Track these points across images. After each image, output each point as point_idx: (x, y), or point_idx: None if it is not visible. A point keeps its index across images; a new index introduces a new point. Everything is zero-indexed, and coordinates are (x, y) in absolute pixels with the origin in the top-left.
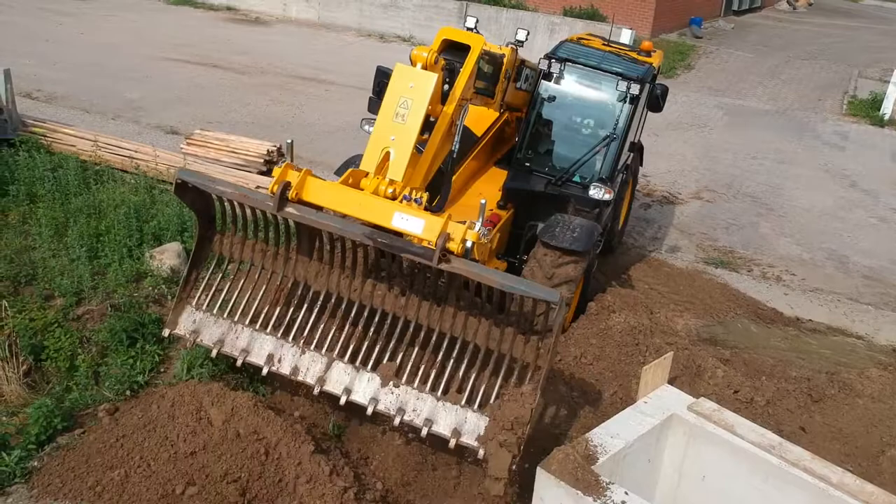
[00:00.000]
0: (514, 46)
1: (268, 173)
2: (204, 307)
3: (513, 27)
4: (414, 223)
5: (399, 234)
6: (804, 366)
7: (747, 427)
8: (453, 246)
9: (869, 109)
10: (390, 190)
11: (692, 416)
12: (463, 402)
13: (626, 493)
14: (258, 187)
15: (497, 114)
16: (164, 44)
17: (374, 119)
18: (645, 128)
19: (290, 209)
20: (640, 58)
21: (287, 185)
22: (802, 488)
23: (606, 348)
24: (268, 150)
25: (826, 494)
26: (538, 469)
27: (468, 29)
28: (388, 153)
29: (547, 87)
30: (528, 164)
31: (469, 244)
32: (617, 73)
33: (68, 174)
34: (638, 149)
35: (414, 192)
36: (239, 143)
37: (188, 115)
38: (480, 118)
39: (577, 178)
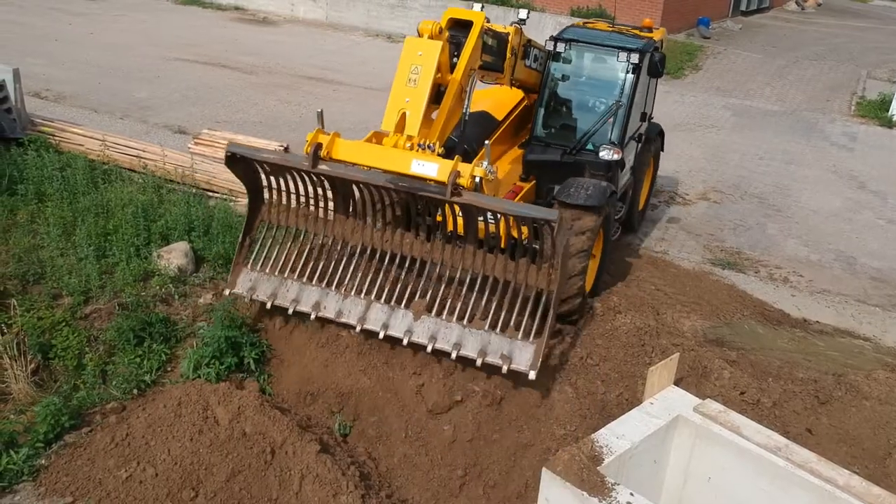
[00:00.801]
0: (517, 25)
1: None
2: (258, 268)
3: None
4: (429, 167)
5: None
6: (811, 367)
7: (753, 428)
8: (463, 181)
9: (877, 110)
10: (408, 145)
11: (698, 417)
12: (486, 327)
13: (632, 494)
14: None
15: (518, 98)
16: (172, 44)
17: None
18: None
19: (323, 166)
20: (641, 34)
21: (319, 146)
22: (808, 490)
23: (612, 349)
24: (275, 150)
25: (832, 497)
26: (543, 469)
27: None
28: (404, 114)
29: (556, 66)
30: (544, 138)
31: (478, 179)
32: (617, 47)
33: (76, 173)
34: (658, 133)
35: (427, 141)
36: (246, 142)
37: (196, 115)
38: (502, 103)
39: (590, 146)
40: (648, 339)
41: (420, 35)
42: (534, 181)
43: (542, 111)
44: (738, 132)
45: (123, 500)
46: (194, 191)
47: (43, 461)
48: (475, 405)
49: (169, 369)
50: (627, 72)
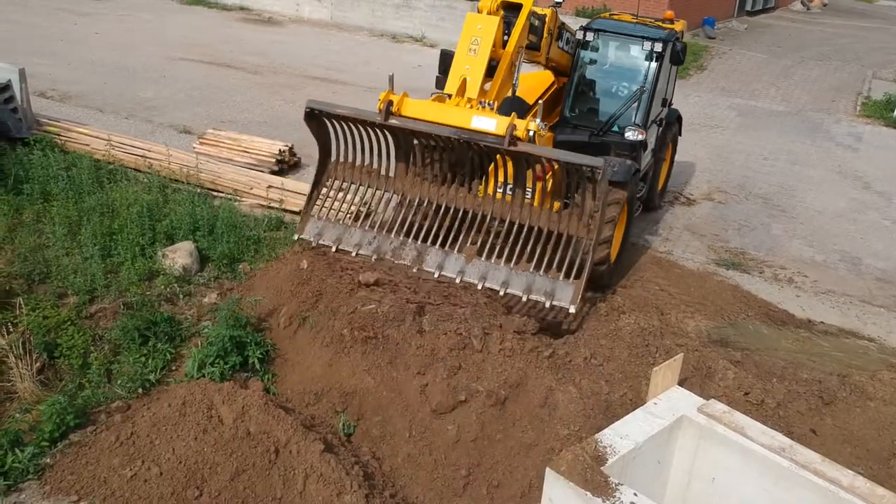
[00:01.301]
0: (553, 8)
1: (279, 173)
2: (324, 217)
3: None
4: (488, 122)
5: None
6: (815, 368)
7: (758, 429)
8: (519, 133)
9: (883, 110)
10: (468, 106)
11: (702, 417)
12: (531, 269)
13: (636, 495)
14: (270, 187)
15: (547, 83)
16: (177, 44)
17: (441, 94)
18: None
19: (393, 120)
20: (663, 25)
21: (390, 103)
22: (812, 491)
23: (616, 349)
24: (279, 150)
25: (836, 498)
26: (547, 469)
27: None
28: (465, 80)
29: (584, 54)
30: (573, 120)
31: (531, 133)
32: (642, 37)
33: (82, 173)
34: (677, 118)
35: (487, 100)
36: (251, 142)
37: (201, 115)
38: (532, 88)
39: (615, 129)
40: (652, 340)
41: (480, 11)
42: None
43: (571, 95)
44: (742, 132)
45: (128, 499)
46: (199, 190)
47: (48, 460)
48: (479, 405)
49: (173, 368)
50: (651, 59)
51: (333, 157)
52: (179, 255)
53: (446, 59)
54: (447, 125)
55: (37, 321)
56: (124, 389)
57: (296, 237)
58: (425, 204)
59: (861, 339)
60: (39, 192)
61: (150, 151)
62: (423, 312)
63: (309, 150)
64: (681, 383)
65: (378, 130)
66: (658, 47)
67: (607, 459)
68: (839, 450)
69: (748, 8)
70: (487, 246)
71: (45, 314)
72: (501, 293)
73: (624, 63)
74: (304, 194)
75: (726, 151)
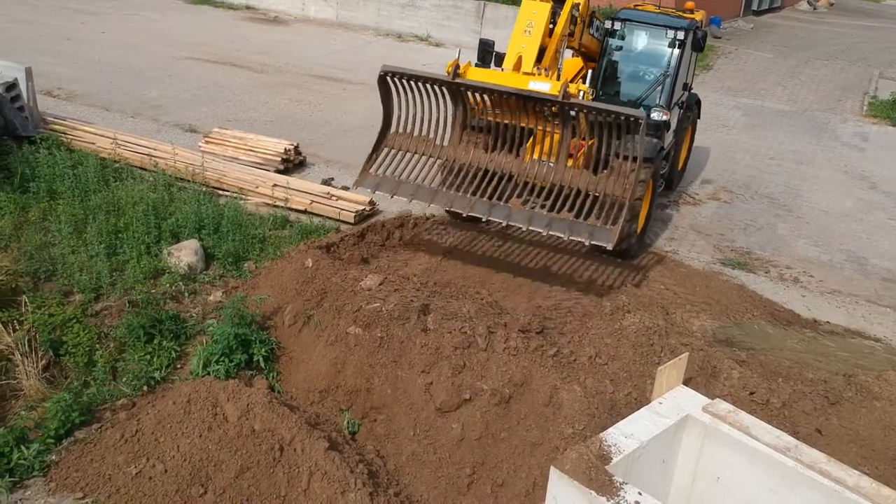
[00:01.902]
0: None
1: (284, 171)
2: (381, 174)
3: None
4: (543, 85)
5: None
6: (821, 368)
7: (763, 429)
8: (571, 91)
9: (889, 110)
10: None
11: (707, 417)
12: (571, 217)
13: (640, 494)
14: (275, 186)
15: (577, 69)
16: (183, 43)
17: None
18: None
19: (459, 80)
20: (685, 15)
21: (458, 66)
22: (818, 491)
23: (621, 348)
24: (285, 149)
25: (842, 498)
26: (551, 468)
27: None
28: (520, 56)
29: (612, 41)
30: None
31: (581, 93)
32: (666, 26)
33: (88, 171)
34: (696, 102)
35: (542, 66)
36: (256, 141)
37: (207, 114)
38: (566, 73)
39: (641, 110)
40: (657, 339)
41: None
42: (594, 140)
43: (600, 79)
44: (748, 132)
45: (133, 496)
46: (204, 189)
47: (53, 457)
48: (483, 403)
49: (178, 366)
50: (674, 46)
51: (393, 128)
52: (185, 254)
53: (485, 47)
54: (506, 87)
55: (42, 319)
56: (129, 387)
57: (353, 188)
58: (475, 168)
59: (867, 339)
60: (45, 191)
61: (155, 150)
62: (428, 311)
63: (314, 149)
64: (686, 383)
65: (441, 93)
66: (680, 35)
67: (612, 458)
68: (845, 450)
69: (754, 7)
70: (531, 200)
71: (51, 312)
72: (545, 234)
73: (649, 49)
74: (310, 192)
75: (732, 151)
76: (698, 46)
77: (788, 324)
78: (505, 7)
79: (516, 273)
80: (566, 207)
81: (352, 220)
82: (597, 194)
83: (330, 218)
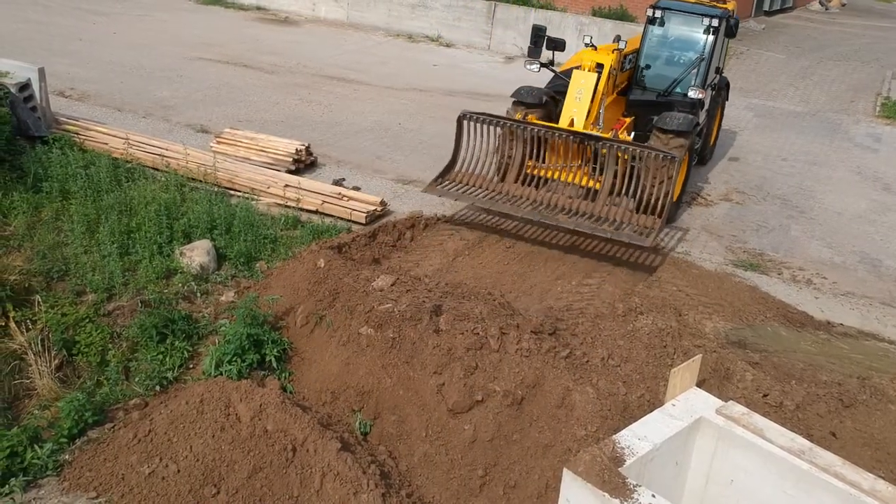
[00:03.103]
0: (617, 52)
1: (296, 172)
2: (447, 189)
3: None
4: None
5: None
6: (835, 370)
7: (777, 431)
8: (621, 135)
9: None
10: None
11: (721, 419)
12: (612, 230)
13: (653, 496)
14: (287, 186)
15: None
16: (194, 43)
17: (533, 61)
18: None
19: (528, 122)
20: (718, 5)
21: (526, 114)
22: (833, 494)
23: (634, 350)
24: (296, 149)
25: (858, 501)
26: (564, 470)
27: (589, 45)
28: (572, 119)
29: (652, 28)
30: (643, 83)
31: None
32: (702, 14)
33: (100, 171)
34: (725, 84)
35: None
36: (268, 141)
37: (218, 114)
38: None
39: (678, 90)
40: (670, 341)
41: (583, 69)
42: (633, 117)
43: (641, 63)
44: (760, 133)
45: (146, 496)
46: (216, 189)
47: (67, 456)
48: (496, 405)
49: (191, 366)
50: (708, 33)
51: (457, 167)
52: (197, 254)
53: (538, 32)
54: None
55: (55, 318)
56: (142, 387)
57: (421, 190)
58: (528, 199)
59: (881, 341)
60: (58, 191)
61: (167, 150)
62: (440, 311)
63: (325, 149)
64: (699, 385)
65: (511, 133)
66: (715, 22)
67: (625, 461)
68: (859, 453)
69: (766, 8)
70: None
71: (64, 311)
72: (588, 232)
73: (686, 36)
74: (321, 193)
75: (744, 152)
76: (731, 33)
77: (802, 326)
78: (515, 7)
79: (527, 274)
80: (606, 224)
81: (363, 221)
82: (630, 223)
83: (341, 218)
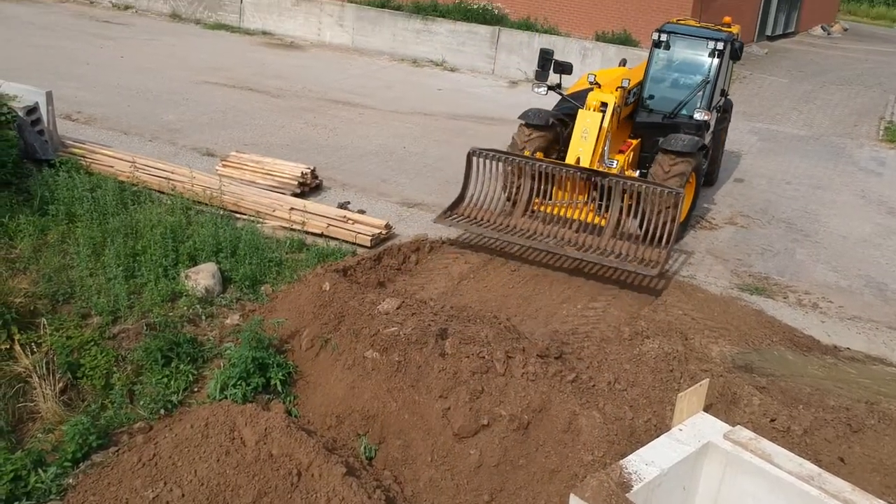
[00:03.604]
0: (620, 89)
1: (301, 195)
2: (457, 221)
3: None
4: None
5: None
6: (843, 395)
7: (785, 457)
8: (628, 172)
9: None
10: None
11: (728, 444)
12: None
13: None
14: (292, 209)
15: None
16: (201, 68)
17: (540, 84)
18: None
19: (537, 159)
20: (723, 28)
21: (535, 150)
22: None
23: (640, 374)
24: (302, 173)
25: None
26: (571, 495)
27: (594, 83)
28: (578, 158)
29: (658, 52)
30: (650, 105)
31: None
32: (707, 37)
33: (106, 194)
34: (730, 107)
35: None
36: (273, 165)
37: (224, 138)
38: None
39: (684, 112)
40: (677, 365)
41: (587, 108)
42: (640, 139)
43: (647, 86)
44: (764, 157)
45: None
46: (222, 212)
47: (71, 480)
48: (502, 429)
49: (196, 390)
50: (714, 56)
51: (465, 202)
52: (202, 277)
53: (545, 55)
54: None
55: (60, 341)
56: (147, 410)
57: (433, 220)
58: (535, 233)
59: (889, 365)
60: (64, 213)
61: (173, 173)
62: (446, 335)
63: (330, 173)
64: (706, 409)
65: (519, 170)
66: (720, 46)
67: (632, 486)
68: (868, 479)
69: (768, 33)
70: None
71: (69, 334)
72: (596, 262)
73: (691, 59)
74: (326, 216)
75: (748, 175)
76: (736, 56)
77: (808, 350)
78: (519, 32)
79: (533, 297)
80: (612, 255)
81: (368, 244)
82: (636, 256)
83: (346, 241)
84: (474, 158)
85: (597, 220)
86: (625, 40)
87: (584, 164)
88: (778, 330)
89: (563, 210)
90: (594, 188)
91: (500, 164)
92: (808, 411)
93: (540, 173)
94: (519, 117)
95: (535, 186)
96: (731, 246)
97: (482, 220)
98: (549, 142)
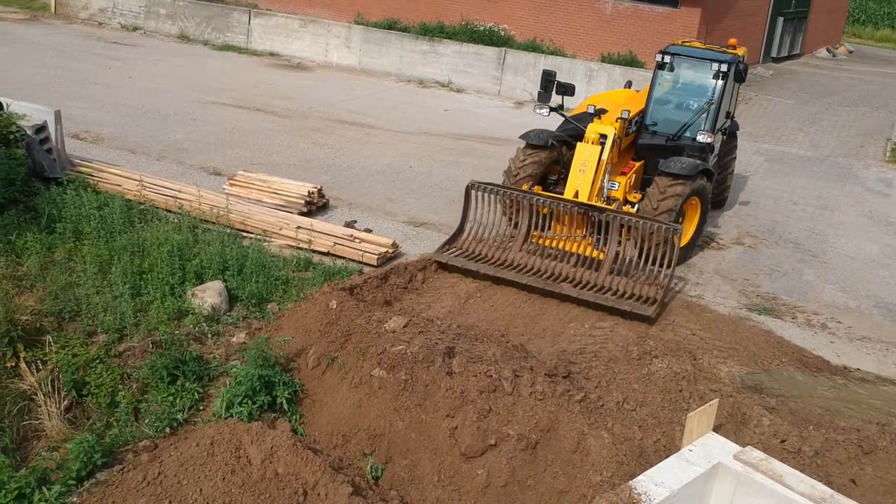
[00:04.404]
0: (620, 120)
1: (308, 214)
2: (454, 256)
3: None
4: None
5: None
6: (853, 416)
7: (797, 478)
8: (626, 209)
9: None
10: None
11: (739, 465)
12: (614, 298)
13: None
14: (299, 228)
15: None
16: (208, 88)
17: (543, 105)
18: None
19: (533, 193)
20: (728, 50)
21: (532, 186)
22: None
23: (649, 394)
24: (308, 192)
25: None
26: None
27: (596, 113)
28: (577, 191)
29: (662, 73)
30: (652, 128)
31: (636, 208)
32: (710, 59)
33: (114, 213)
34: (736, 129)
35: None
36: (280, 184)
37: (231, 157)
38: (615, 104)
39: (687, 134)
40: (686, 385)
41: (586, 141)
42: (642, 161)
43: (650, 108)
44: (770, 177)
45: None
46: (229, 231)
47: (75, 499)
48: (510, 449)
49: (201, 408)
50: (718, 78)
51: (465, 234)
52: (209, 295)
53: (548, 77)
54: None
55: (66, 359)
56: (152, 428)
57: (430, 256)
58: (532, 268)
59: None
60: (72, 231)
61: (180, 192)
62: (453, 354)
63: (337, 192)
64: (715, 430)
65: (517, 203)
66: (724, 67)
67: None
68: (881, 501)
69: (774, 54)
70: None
71: (75, 352)
72: (591, 300)
73: (694, 81)
74: (333, 235)
75: (755, 196)
76: (740, 77)
77: (818, 370)
78: (525, 53)
79: (540, 316)
80: (609, 293)
81: (375, 263)
82: (633, 293)
83: (353, 260)
84: (473, 192)
85: (595, 253)
86: (630, 62)
87: (583, 197)
88: (787, 350)
89: (561, 243)
90: (591, 223)
91: (499, 197)
92: (818, 432)
93: (537, 207)
94: (520, 136)
95: (534, 220)
96: (739, 266)
97: (480, 253)
98: (550, 162)
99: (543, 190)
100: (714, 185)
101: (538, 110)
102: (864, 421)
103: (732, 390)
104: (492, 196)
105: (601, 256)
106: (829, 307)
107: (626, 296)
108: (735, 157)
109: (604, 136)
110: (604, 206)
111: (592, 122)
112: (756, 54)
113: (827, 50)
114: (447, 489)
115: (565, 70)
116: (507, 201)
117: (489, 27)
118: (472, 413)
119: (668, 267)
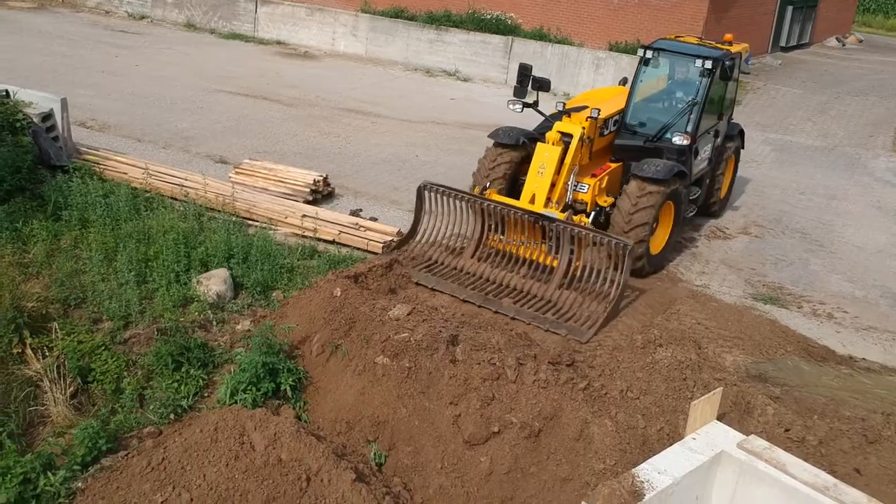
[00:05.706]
0: (590, 119)
1: (313, 202)
2: (418, 271)
3: (558, 62)
4: (552, 214)
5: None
6: (858, 405)
7: (800, 467)
8: (576, 219)
9: None
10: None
11: (742, 453)
12: (554, 318)
13: None
14: (304, 216)
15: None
16: (215, 76)
17: (517, 101)
18: None
19: (484, 198)
20: (720, 46)
21: (484, 189)
22: None
23: (653, 383)
24: (314, 180)
25: None
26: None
27: (563, 111)
28: (534, 195)
29: (645, 69)
30: (632, 128)
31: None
32: (695, 55)
33: (119, 200)
34: (739, 132)
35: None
36: (286, 172)
37: (237, 145)
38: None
39: (668, 136)
40: (690, 374)
41: (547, 142)
42: (621, 163)
43: (631, 106)
44: (778, 167)
45: None
46: (234, 219)
47: (80, 484)
48: (513, 437)
49: (206, 395)
50: (703, 75)
51: (417, 237)
52: (214, 283)
53: (524, 71)
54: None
55: (72, 346)
56: (156, 415)
57: (400, 256)
58: (482, 277)
59: None
60: (78, 219)
61: (186, 180)
62: (457, 342)
63: (342, 180)
64: (719, 418)
65: (468, 208)
66: (708, 64)
67: (644, 495)
68: (885, 490)
69: (782, 44)
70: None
71: (80, 339)
72: (528, 323)
73: (679, 78)
74: (338, 223)
75: (762, 186)
76: (725, 76)
77: (823, 360)
78: (532, 42)
79: None
80: (550, 312)
81: (379, 251)
82: (576, 312)
83: (358, 248)
84: (426, 192)
85: (548, 260)
86: (637, 51)
87: (539, 201)
88: (792, 340)
89: (516, 248)
90: (543, 232)
91: (451, 199)
92: (823, 422)
93: (489, 212)
94: (489, 135)
95: (486, 226)
96: (745, 255)
97: (431, 259)
98: (521, 161)
99: (514, 190)
100: (705, 193)
101: (512, 106)
102: (869, 410)
103: (737, 379)
104: (445, 199)
105: (555, 263)
106: (836, 297)
107: (568, 316)
108: (733, 162)
109: (568, 136)
110: (556, 213)
111: (561, 120)
112: (765, 43)
113: (837, 39)
114: (450, 476)
115: (572, 59)
116: (460, 205)
117: (496, 16)
118: (476, 401)
119: (617, 287)
